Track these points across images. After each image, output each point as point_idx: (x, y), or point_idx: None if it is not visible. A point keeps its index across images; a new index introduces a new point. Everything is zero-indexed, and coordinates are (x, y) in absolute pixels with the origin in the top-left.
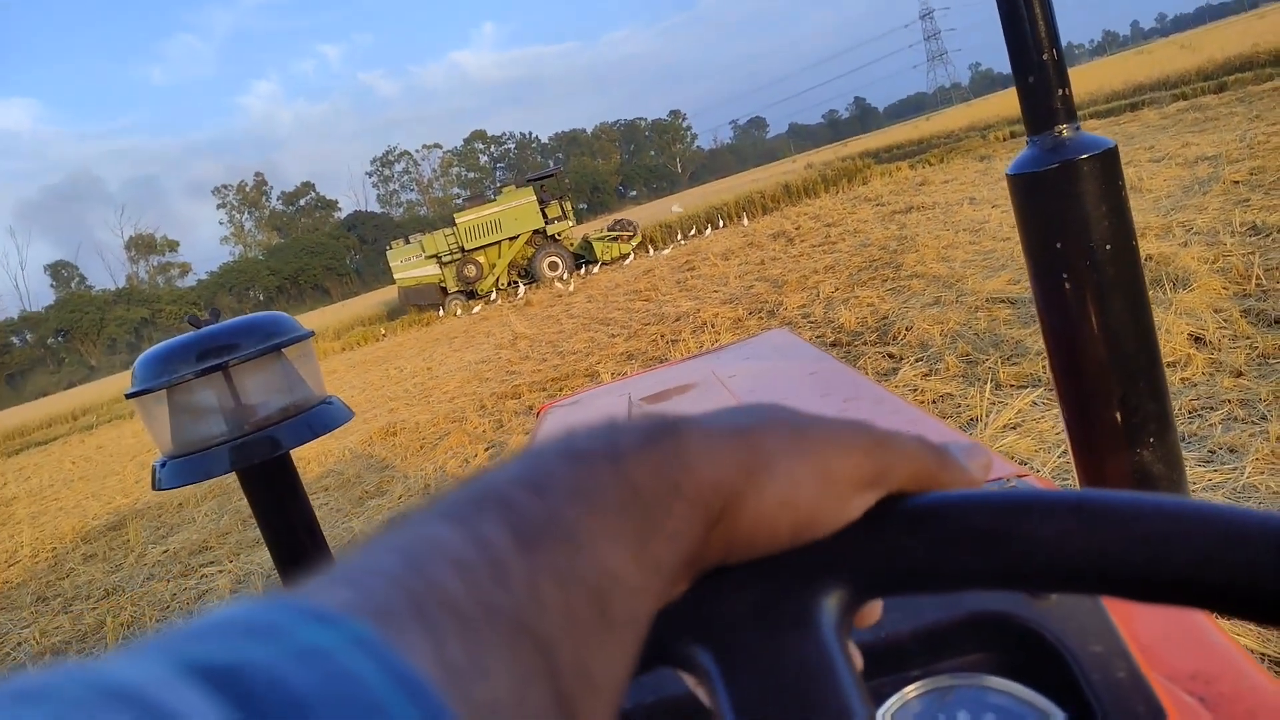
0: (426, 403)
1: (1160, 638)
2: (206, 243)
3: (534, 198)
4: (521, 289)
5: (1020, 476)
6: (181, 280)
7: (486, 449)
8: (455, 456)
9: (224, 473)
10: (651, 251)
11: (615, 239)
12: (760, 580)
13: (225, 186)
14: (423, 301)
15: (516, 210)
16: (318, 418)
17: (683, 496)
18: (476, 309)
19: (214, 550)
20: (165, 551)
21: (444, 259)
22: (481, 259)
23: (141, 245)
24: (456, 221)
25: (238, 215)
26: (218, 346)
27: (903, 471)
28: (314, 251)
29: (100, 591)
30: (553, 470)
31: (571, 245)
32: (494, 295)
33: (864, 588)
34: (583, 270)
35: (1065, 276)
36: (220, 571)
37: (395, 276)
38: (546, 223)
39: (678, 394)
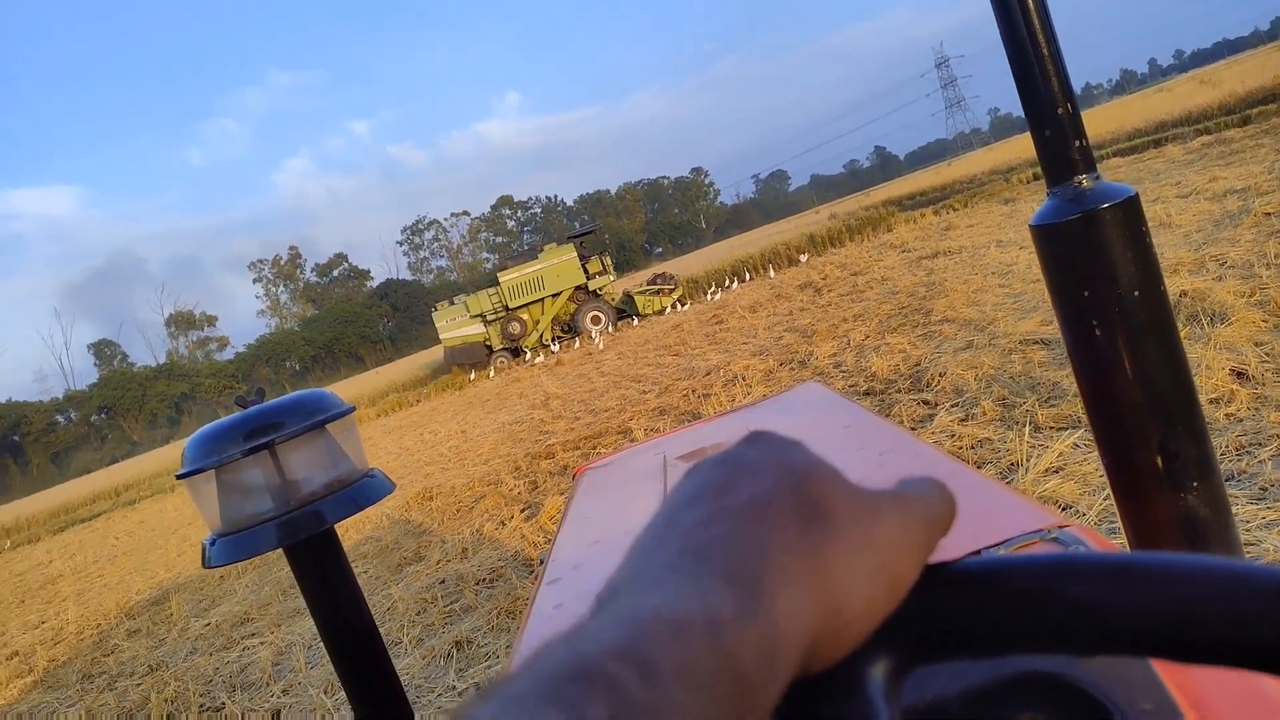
0: (461, 466)
1: (1213, 695)
2: (243, 316)
3: (575, 254)
4: (555, 347)
5: (1063, 527)
6: (220, 354)
7: (522, 510)
8: (491, 519)
9: (272, 549)
10: (679, 307)
11: (657, 292)
12: None
13: (261, 261)
14: (468, 360)
15: (558, 267)
16: (361, 491)
17: (777, 670)
18: (539, 359)
19: (255, 622)
20: (208, 625)
21: (489, 317)
22: (525, 316)
23: (181, 321)
24: (500, 280)
25: (273, 288)
26: (264, 425)
27: (941, 534)
28: (348, 320)
29: (144, 667)
30: (655, 643)
31: (613, 300)
32: (538, 353)
33: (912, 655)
34: (634, 321)
35: (1095, 324)
36: (262, 643)
37: (441, 337)
38: (588, 278)
39: (712, 453)
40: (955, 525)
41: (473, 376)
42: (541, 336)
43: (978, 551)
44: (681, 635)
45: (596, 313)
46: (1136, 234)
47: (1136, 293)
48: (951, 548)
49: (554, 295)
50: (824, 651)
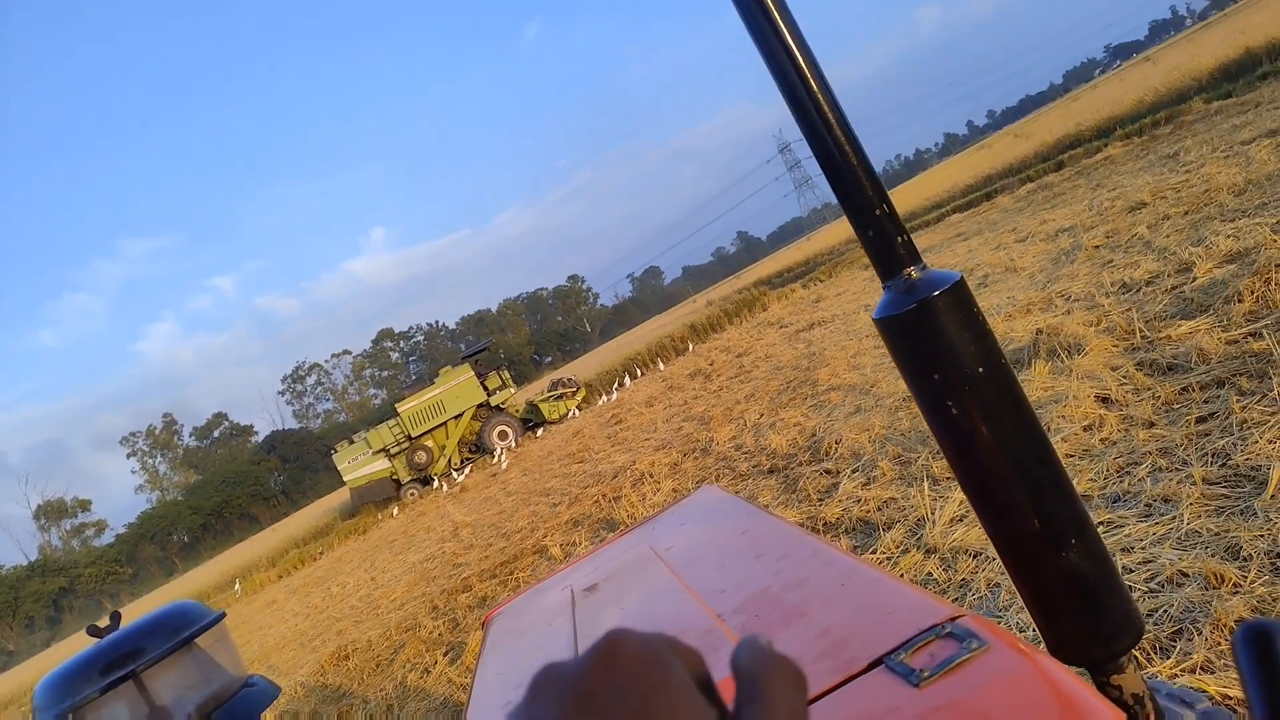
0: (376, 615)
1: None
2: (121, 494)
3: (472, 373)
4: (463, 472)
5: (955, 619)
6: (98, 539)
7: (445, 653)
8: (414, 668)
9: None
10: (577, 412)
11: (559, 396)
12: None
13: (134, 434)
14: (377, 498)
15: (457, 389)
16: (240, 706)
17: None
18: (444, 488)
19: None
20: None
21: (392, 450)
22: (430, 443)
23: (51, 511)
24: (399, 410)
25: (150, 460)
26: (123, 654)
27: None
28: (235, 481)
29: None
30: None
31: (517, 411)
32: (444, 481)
33: None
34: (539, 431)
35: (950, 404)
36: None
37: (345, 479)
38: (489, 394)
39: (618, 580)
40: (857, 629)
41: (392, 513)
42: (450, 461)
43: (880, 659)
44: None
45: (503, 427)
46: (969, 314)
47: (980, 369)
48: (857, 655)
49: (456, 417)
50: None
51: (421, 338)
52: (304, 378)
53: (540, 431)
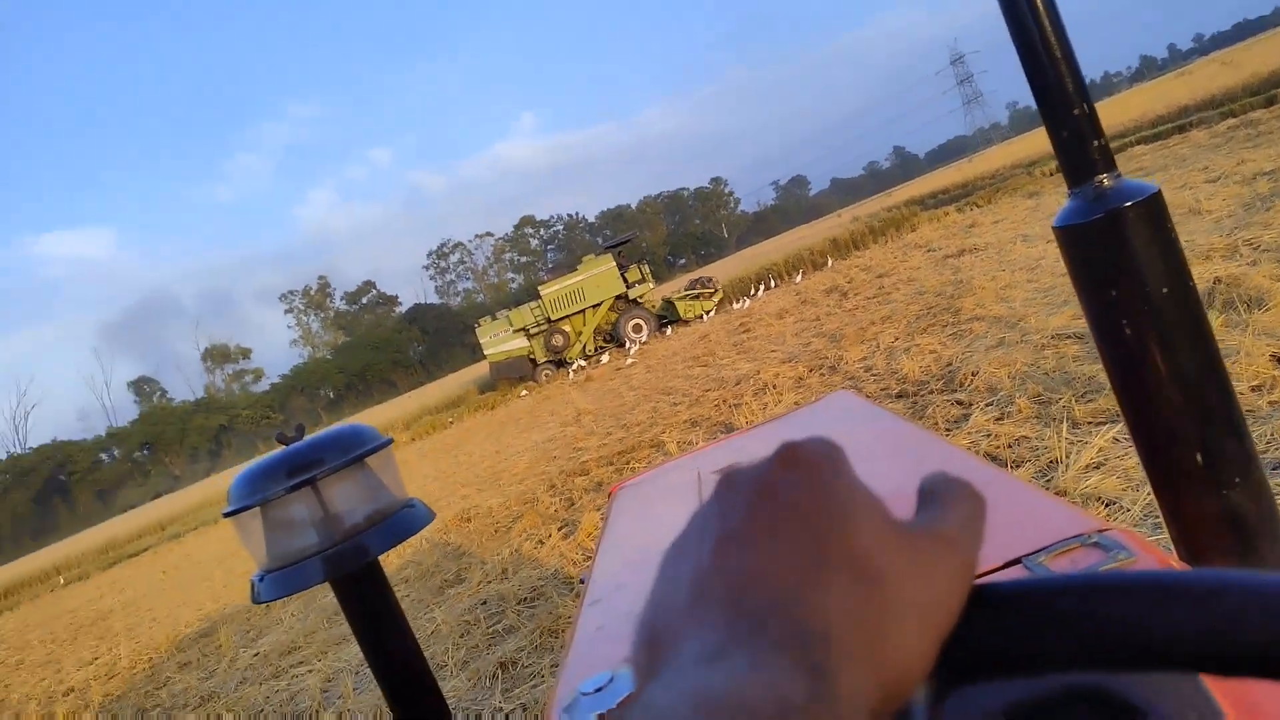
0: (497, 486)
1: (1260, 702)
2: (277, 348)
3: (614, 264)
4: (584, 363)
5: (1103, 531)
6: (255, 386)
7: (559, 528)
8: (529, 538)
9: (318, 583)
10: (712, 313)
11: (696, 296)
12: None
13: (291, 292)
14: (514, 374)
15: (598, 278)
16: (401, 522)
17: None
18: (583, 364)
19: (302, 650)
20: (256, 655)
21: (532, 330)
22: (567, 327)
23: (216, 355)
24: (541, 293)
25: (304, 318)
26: (305, 462)
27: (980, 547)
28: (379, 347)
29: (197, 699)
30: None
31: (653, 307)
32: (580, 361)
33: (953, 676)
34: (669, 330)
35: (1125, 323)
36: (310, 671)
37: (485, 352)
38: (628, 286)
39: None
40: (997, 532)
41: (520, 393)
42: (585, 347)
43: (1019, 559)
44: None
45: (638, 320)
46: (1161, 231)
47: (1165, 290)
48: (995, 555)
49: (595, 306)
50: (880, 714)
51: (561, 227)
52: (448, 255)
53: (670, 330)
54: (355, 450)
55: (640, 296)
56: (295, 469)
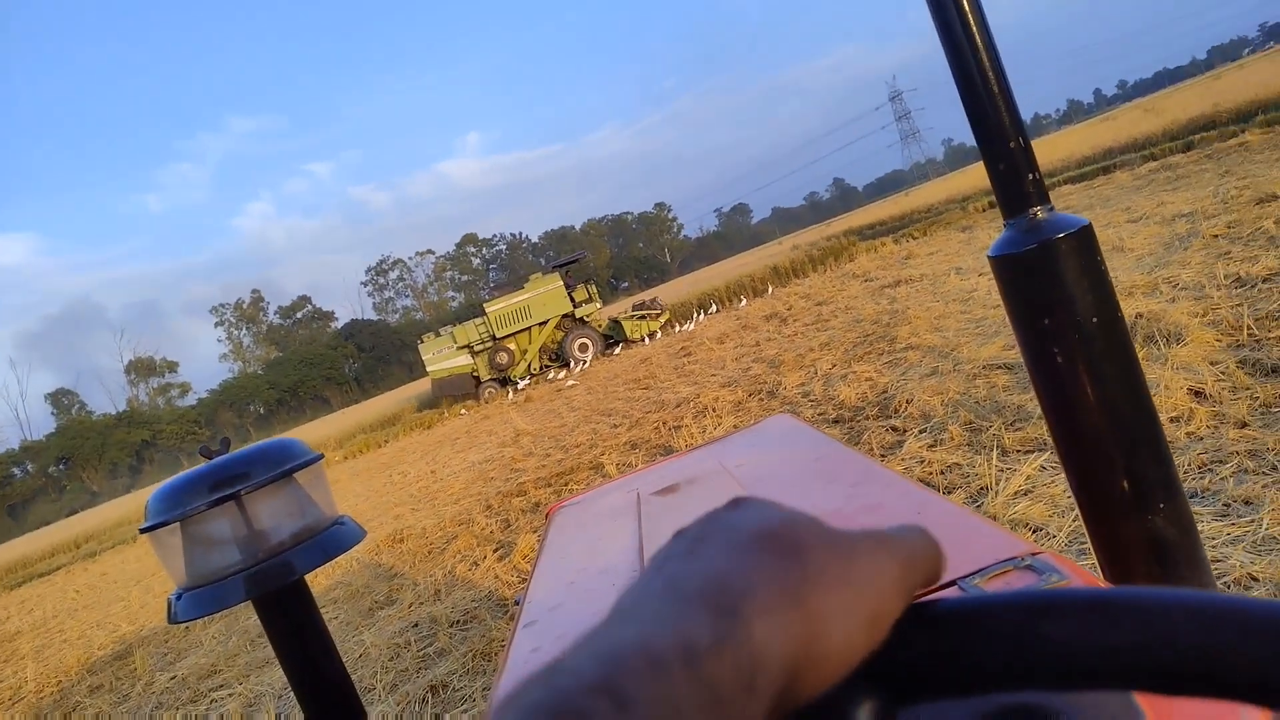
0: (432, 506)
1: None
2: (206, 361)
3: (561, 283)
4: (522, 383)
5: (1035, 554)
6: (181, 400)
7: (495, 550)
8: (464, 560)
9: (240, 601)
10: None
11: (643, 317)
12: None
13: (223, 305)
14: (456, 392)
15: (545, 296)
16: (330, 540)
17: (757, 694)
18: (523, 384)
19: (224, 673)
20: (173, 678)
21: (476, 348)
22: (513, 345)
23: (141, 368)
24: (486, 310)
25: (236, 332)
26: (230, 476)
27: (923, 576)
28: (312, 363)
29: None
30: (631, 675)
31: (600, 327)
32: (524, 381)
33: (897, 695)
34: (618, 349)
35: (1056, 351)
36: (230, 695)
37: (428, 369)
38: (575, 306)
39: (686, 488)
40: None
41: (459, 412)
42: (529, 366)
43: (953, 582)
44: (658, 665)
45: (584, 340)
46: (1091, 262)
47: (1094, 319)
48: None
49: (541, 324)
50: (805, 681)
51: (504, 246)
52: (387, 271)
53: (619, 349)
54: (283, 465)
55: (587, 316)
56: (218, 483)
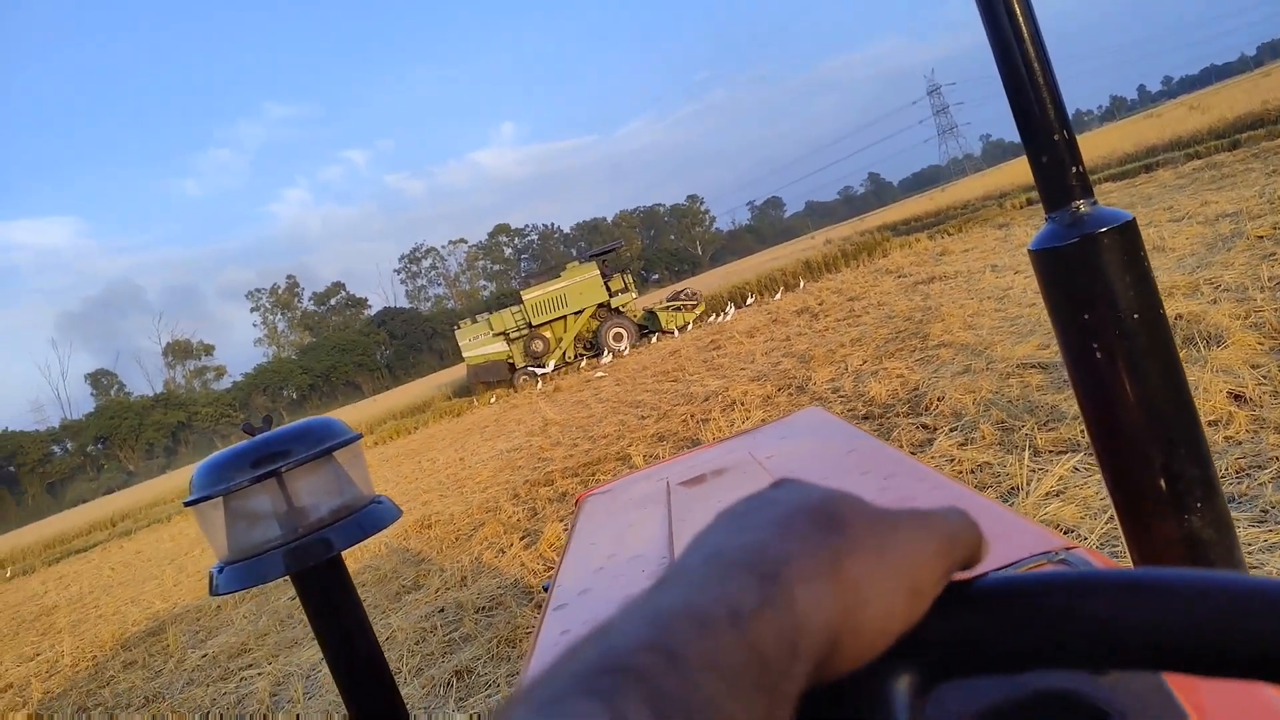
0: (460, 493)
1: (1224, 708)
2: (241, 345)
3: (597, 272)
4: (546, 370)
5: (1069, 549)
6: (217, 383)
7: (521, 538)
8: (490, 547)
9: (280, 576)
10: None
11: (679, 309)
12: None
13: (259, 290)
14: (491, 378)
15: (581, 285)
16: (368, 517)
17: (800, 658)
18: (542, 372)
19: (253, 652)
20: (204, 656)
21: (512, 335)
22: (548, 333)
23: (178, 350)
24: (523, 298)
25: (271, 317)
26: (271, 453)
27: (964, 556)
28: (345, 349)
29: (140, 699)
30: (680, 635)
31: (636, 317)
32: (544, 370)
33: (935, 671)
34: (654, 338)
35: (1095, 347)
36: (259, 674)
37: (464, 355)
38: (610, 295)
39: (715, 478)
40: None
41: (489, 400)
42: (565, 354)
43: (987, 573)
44: (706, 626)
45: (619, 329)
46: (1135, 258)
47: (1136, 315)
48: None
49: (576, 313)
50: (845, 651)
51: (536, 237)
52: (420, 260)
53: (655, 339)
54: (324, 443)
55: (623, 305)
56: (260, 460)
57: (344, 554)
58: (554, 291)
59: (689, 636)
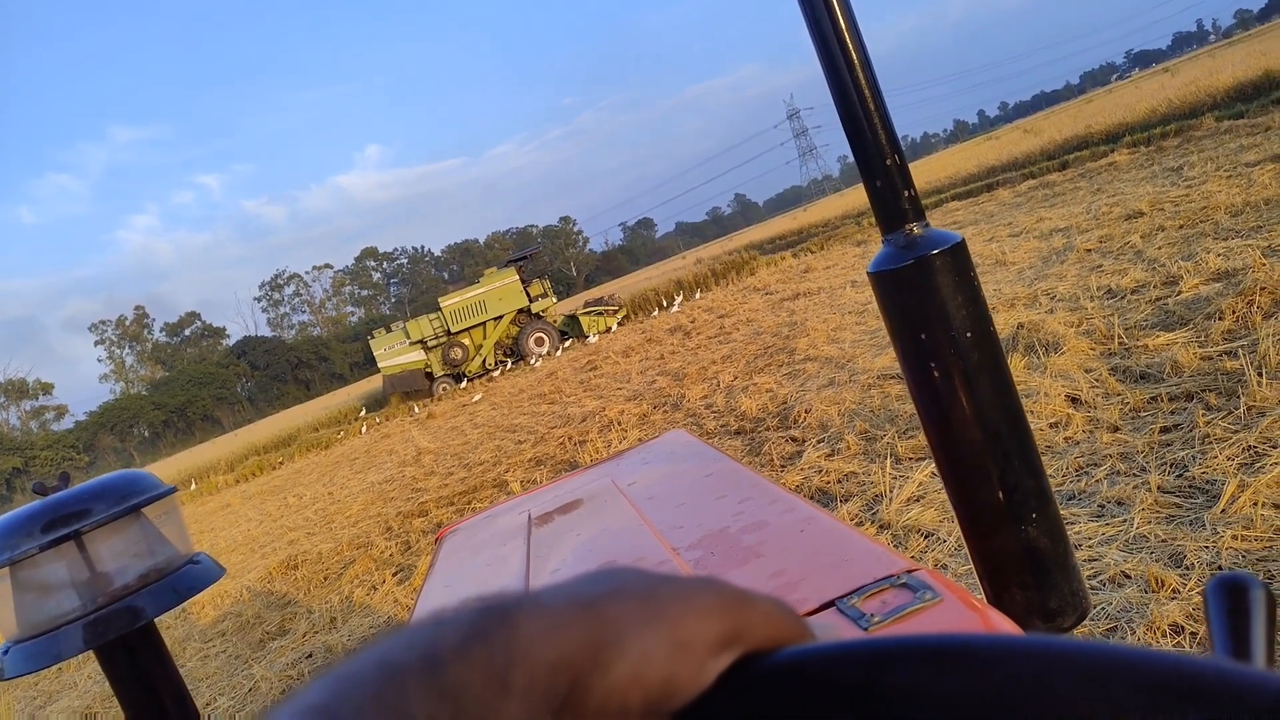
0: (329, 530)
1: None
2: (85, 381)
3: (516, 277)
4: (508, 364)
5: (911, 571)
6: (58, 424)
7: (394, 573)
8: (362, 585)
9: (79, 652)
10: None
11: (600, 313)
12: None
13: (104, 322)
14: (408, 388)
15: (501, 290)
16: (184, 580)
17: (512, 694)
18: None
19: (100, 717)
20: None
21: (430, 343)
22: (467, 340)
23: (13, 390)
24: (441, 304)
25: (117, 351)
26: (67, 514)
27: (759, 631)
28: (202, 382)
29: None
30: (353, 694)
31: (556, 322)
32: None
33: None
34: (568, 343)
35: (933, 365)
36: None
37: (380, 365)
38: (530, 301)
39: (575, 510)
40: (814, 574)
41: (360, 430)
42: (484, 361)
43: (831, 602)
44: (391, 677)
45: (541, 334)
46: (965, 277)
47: (969, 334)
48: (812, 597)
49: (496, 319)
50: (594, 692)
51: (405, 260)
52: (282, 286)
53: (569, 343)
54: (130, 500)
55: (543, 311)
56: (54, 522)
57: (198, 603)
58: (473, 298)
59: (364, 693)
